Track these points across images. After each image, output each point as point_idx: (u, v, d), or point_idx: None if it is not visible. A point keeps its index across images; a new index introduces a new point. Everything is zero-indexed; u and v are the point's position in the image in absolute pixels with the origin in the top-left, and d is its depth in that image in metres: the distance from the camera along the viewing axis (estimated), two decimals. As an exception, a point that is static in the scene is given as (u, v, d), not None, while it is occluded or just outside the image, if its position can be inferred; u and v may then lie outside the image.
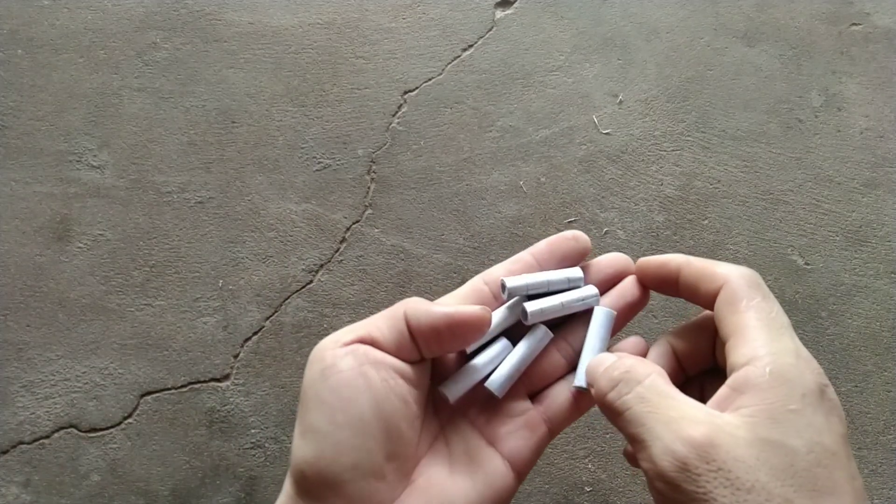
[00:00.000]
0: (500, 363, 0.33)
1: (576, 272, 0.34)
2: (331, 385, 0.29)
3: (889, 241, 0.88)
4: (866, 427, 0.78)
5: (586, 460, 0.77)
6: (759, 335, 0.27)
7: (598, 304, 0.34)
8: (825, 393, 0.26)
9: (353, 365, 0.29)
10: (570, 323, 0.35)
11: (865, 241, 0.88)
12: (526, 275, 0.34)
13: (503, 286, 0.33)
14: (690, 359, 0.33)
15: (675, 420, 0.25)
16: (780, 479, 0.23)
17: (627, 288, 0.35)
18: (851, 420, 0.78)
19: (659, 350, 0.33)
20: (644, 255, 0.89)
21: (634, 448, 0.27)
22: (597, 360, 0.31)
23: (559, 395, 0.34)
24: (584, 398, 0.34)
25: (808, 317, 0.83)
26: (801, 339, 0.27)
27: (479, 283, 0.35)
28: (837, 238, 0.88)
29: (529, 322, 0.33)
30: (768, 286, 0.29)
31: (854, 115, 0.96)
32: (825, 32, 1.02)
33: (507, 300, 0.34)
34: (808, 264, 0.86)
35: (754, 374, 0.26)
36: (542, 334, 0.34)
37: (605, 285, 0.36)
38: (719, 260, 0.32)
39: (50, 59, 0.96)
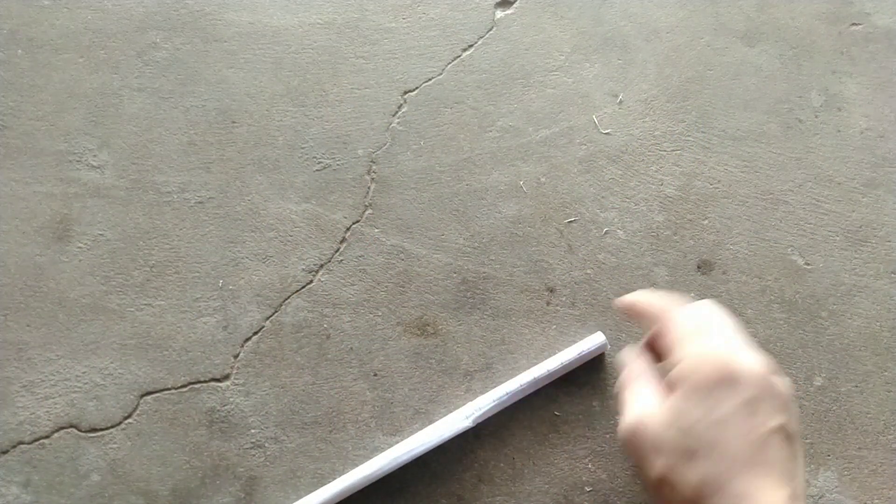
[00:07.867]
0: None
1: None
2: None
3: (889, 241, 0.88)
4: (866, 427, 0.78)
5: (586, 460, 0.77)
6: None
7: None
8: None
9: None
10: None
11: (865, 241, 0.88)
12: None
13: None
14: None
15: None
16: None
17: None
18: (851, 420, 0.78)
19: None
20: (644, 254, 0.89)
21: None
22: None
23: None
24: None
25: (808, 317, 0.83)
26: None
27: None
28: (837, 238, 0.88)
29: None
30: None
31: (854, 115, 0.96)
32: (825, 32, 1.02)
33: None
34: (808, 264, 0.86)
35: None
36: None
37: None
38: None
39: (50, 59, 0.97)
